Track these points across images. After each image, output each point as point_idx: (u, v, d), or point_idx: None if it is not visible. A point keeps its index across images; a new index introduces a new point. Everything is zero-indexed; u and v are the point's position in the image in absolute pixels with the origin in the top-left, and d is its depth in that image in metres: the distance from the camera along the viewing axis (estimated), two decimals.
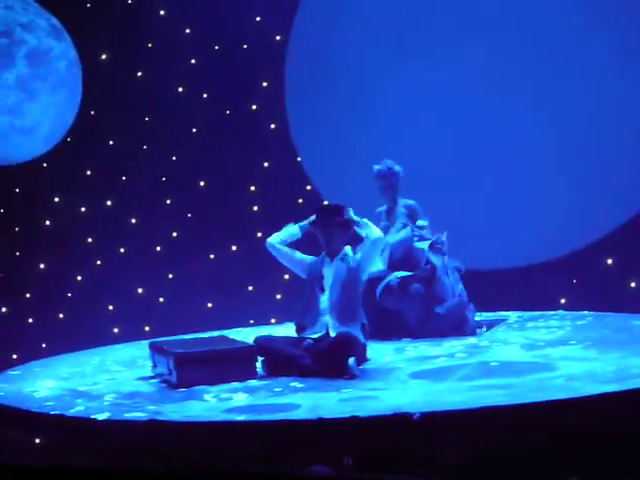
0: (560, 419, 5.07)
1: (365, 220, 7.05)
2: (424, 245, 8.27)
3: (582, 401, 5.14)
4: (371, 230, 6.97)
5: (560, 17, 9.68)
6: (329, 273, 6.94)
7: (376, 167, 8.61)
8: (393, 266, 8.21)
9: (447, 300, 8.13)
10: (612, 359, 6.33)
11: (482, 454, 4.89)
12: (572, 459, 4.91)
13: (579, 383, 5.59)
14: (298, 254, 7.17)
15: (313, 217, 7.11)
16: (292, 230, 7.16)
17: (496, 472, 4.88)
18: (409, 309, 8.08)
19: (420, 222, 8.54)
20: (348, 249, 7.05)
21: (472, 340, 7.73)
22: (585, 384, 5.53)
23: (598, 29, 9.55)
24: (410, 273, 8.12)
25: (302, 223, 7.16)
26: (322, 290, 6.91)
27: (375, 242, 6.93)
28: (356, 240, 7.16)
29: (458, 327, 8.05)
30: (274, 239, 7.16)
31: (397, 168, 8.61)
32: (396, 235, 8.38)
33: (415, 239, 8.34)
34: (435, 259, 8.22)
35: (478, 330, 8.14)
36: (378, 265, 8.00)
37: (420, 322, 8.06)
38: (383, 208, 8.74)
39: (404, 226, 8.45)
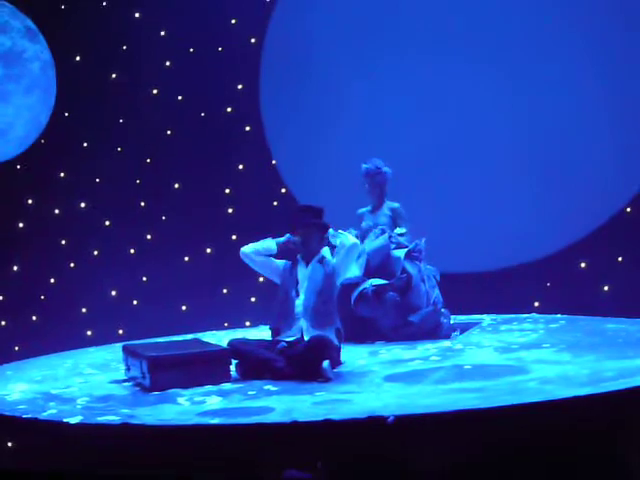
0: (533, 422, 5.08)
1: (339, 231, 7.04)
2: (400, 253, 8.28)
3: (555, 404, 5.16)
4: (345, 237, 6.96)
5: (535, 22, 9.73)
6: (304, 277, 6.93)
7: (364, 166, 8.63)
8: (369, 273, 8.23)
9: (422, 307, 8.15)
10: (585, 362, 6.36)
11: (456, 457, 4.90)
12: (546, 462, 4.92)
13: (552, 386, 5.61)
14: (272, 260, 7.15)
15: (289, 235, 7.09)
16: (268, 244, 7.12)
17: (470, 475, 4.89)
18: (383, 317, 8.09)
19: (398, 230, 8.55)
20: (326, 252, 7.04)
21: (446, 343, 7.75)
22: (558, 387, 5.55)
23: (572, 33, 9.62)
24: (385, 282, 8.13)
25: (279, 239, 7.12)
26: (297, 294, 6.90)
27: (350, 249, 6.92)
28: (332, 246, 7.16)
29: (432, 333, 8.08)
30: (248, 249, 7.14)
31: (385, 169, 8.66)
32: (373, 242, 8.38)
33: (392, 246, 8.35)
34: (411, 268, 8.23)
35: (452, 334, 8.16)
36: (354, 271, 8.00)
37: (394, 329, 8.09)
38: (366, 209, 8.74)
39: (383, 232, 8.45)
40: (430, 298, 8.26)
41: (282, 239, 7.10)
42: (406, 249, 8.31)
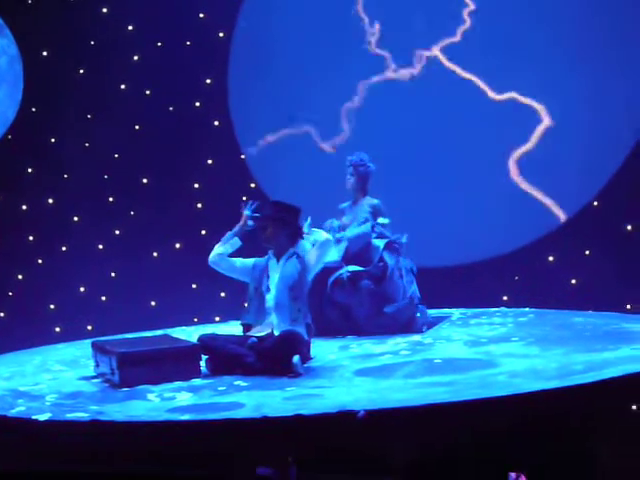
0: (502, 415, 5.11)
1: (313, 229, 7.03)
2: (380, 243, 8.29)
3: (524, 397, 5.19)
4: (319, 234, 6.95)
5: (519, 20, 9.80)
6: (275, 272, 6.92)
7: (349, 157, 8.68)
8: (347, 259, 8.23)
9: (397, 300, 8.17)
10: (554, 356, 6.41)
11: (426, 451, 4.92)
12: (514, 455, 4.95)
13: (521, 380, 5.65)
14: (239, 262, 7.11)
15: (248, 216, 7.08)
16: (231, 241, 7.09)
17: (439, 469, 4.91)
18: (358, 305, 8.10)
19: (382, 220, 8.55)
20: (303, 246, 7.01)
21: (416, 337, 7.78)
22: (527, 381, 5.59)
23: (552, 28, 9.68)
24: (362, 269, 8.14)
25: (235, 229, 7.09)
26: (268, 289, 6.89)
27: (323, 244, 6.90)
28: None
29: (406, 327, 8.10)
30: (214, 255, 7.09)
31: (370, 164, 8.69)
32: (355, 229, 8.38)
33: (374, 235, 8.35)
34: (389, 258, 8.25)
35: (423, 328, 8.19)
36: (333, 255, 8.01)
37: (368, 319, 8.09)
38: (347, 204, 8.75)
39: (366, 221, 8.46)
40: (407, 292, 8.26)
41: (236, 228, 7.07)
42: (386, 240, 8.31)
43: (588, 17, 9.48)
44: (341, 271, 8.16)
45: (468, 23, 9.86)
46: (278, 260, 6.97)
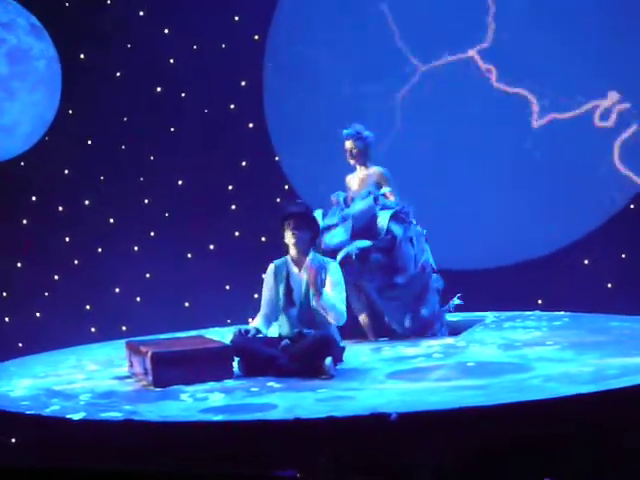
0: (537, 420, 5.08)
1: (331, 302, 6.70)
2: (386, 214, 8.13)
3: (558, 402, 5.16)
4: (334, 315, 6.72)
5: (537, 27, 9.76)
6: (298, 285, 6.83)
7: (345, 131, 8.52)
8: (355, 236, 8.05)
9: (409, 270, 8.07)
10: (588, 360, 6.36)
11: (458, 454, 4.90)
12: (549, 460, 4.92)
13: (555, 384, 5.60)
14: (266, 295, 6.99)
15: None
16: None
17: (473, 472, 4.89)
18: (369, 280, 7.98)
19: (383, 189, 8.42)
20: (318, 257, 6.90)
21: (449, 340, 7.75)
22: (561, 385, 5.55)
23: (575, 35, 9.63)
24: (370, 243, 8.03)
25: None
26: (292, 303, 6.84)
27: (336, 308, 6.70)
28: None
29: (420, 296, 8.02)
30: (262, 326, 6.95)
31: (366, 133, 8.52)
32: (359, 204, 8.23)
33: (378, 208, 8.21)
34: (396, 228, 8.09)
35: (451, 303, 8.13)
36: (341, 235, 7.95)
37: (380, 292, 7.97)
38: (353, 175, 8.64)
39: (369, 194, 8.34)
40: (418, 261, 8.17)
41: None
42: (391, 210, 8.18)
43: None
44: (348, 248, 7.95)
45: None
46: (299, 268, 6.85)
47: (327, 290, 6.68)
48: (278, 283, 6.89)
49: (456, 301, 8.27)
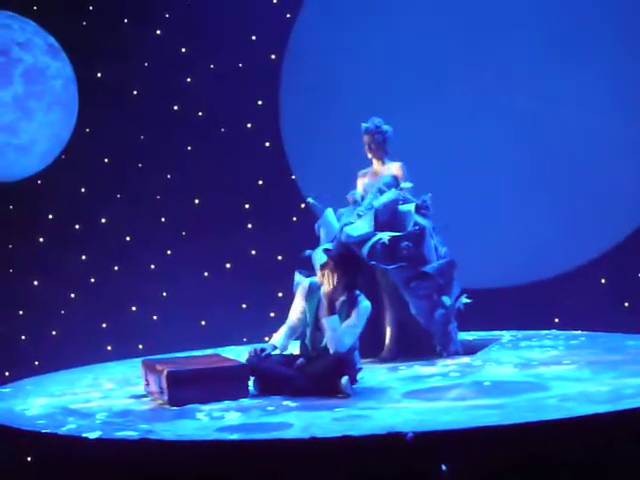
0: (553, 439, 5.06)
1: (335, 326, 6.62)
2: (410, 207, 8.08)
3: (575, 421, 5.13)
4: (333, 339, 6.59)
5: (559, 39, 9.79)
6: (325, 318, 6.68)
7: (364, 125, 8.46)
8: (379, 229, 7.94)
9: (432, 261, 8.02)
10: (605, 379, 6.33)
11: (475, 474, 4.88)
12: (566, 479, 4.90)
13: (573, 403, 5.58)
14: (295, 308, 6.93)
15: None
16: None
17: None
18: (397, 273, 7.88)
19: (404, 184, 8.34)
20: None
21: (465, 359, 7.72)
22: (579, 404, 5.52)
23: (593, 48, 9.65)
24: (399, 233, 7.91)
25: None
26: (318, 329, 6.74)
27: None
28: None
29: (444, 287, 7.98)
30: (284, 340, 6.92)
31: (385, 127, 8.46)
32: (381, 198, 8.13)
33: (399, 202, 8.14)
34: (423, 220, 8.07)
35: (463, 300, 8.10)
36: (365, 227, 7.88)
37: (407, 282, 7.90)
38: (367, 170, 8.58)
39: (389, 186, 8.24)
40: (440, 251, 8.14)
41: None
42: (414, 203, 8.12)
43: None
44: (380, 236, 7.82)
45: None
46: (329, 306, 6.69)
47: (345, 323, 6.60)
48: (308, 303, 6.83)
49: (464, 300, 8.21)
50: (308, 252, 8.00)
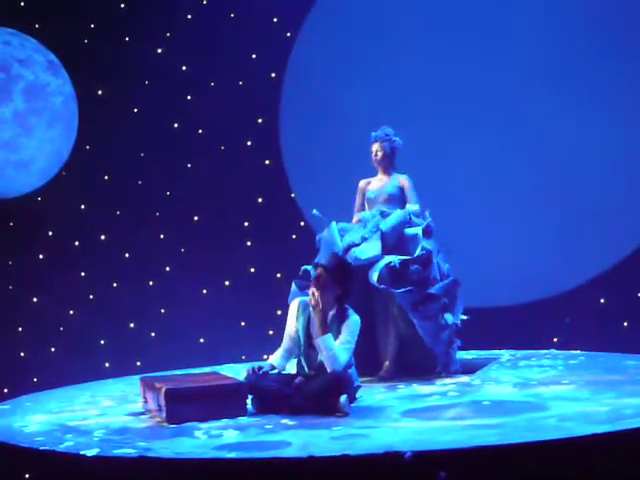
0: (552, 460, 5.05)
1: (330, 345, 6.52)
2: (417, 230, 8.04)
3: (574, 442, 5.12)
4: (329, 358, 6.51)
5: (560, 56, 9.84)
6: (317, 334, 6.62)
7: (374, 133, 8.44)
8: (387, 252, 7.88)
9: (437, 281, 7.99)
10: (605, 399, 6.32)
11: None
12: None
13: (571, 423, 5.57)
14: (288, 330, 6.89)
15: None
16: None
17: None
18: (404, 296, 7.78)
19: (410, 206, 8.27)
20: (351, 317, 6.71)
21: (464, 378, 7.72)
22: (578, 424, 5.51)
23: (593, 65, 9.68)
24: (407, 257, 7.86)
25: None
26: (312, 347, 6.69)
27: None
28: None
29: (446, 307, 7.97)
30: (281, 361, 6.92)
31: (395, 138, 8.44)
32: (388, 220, 8.06)
33: (406, 225, 8.09)
34: (428, 243, 8.04)
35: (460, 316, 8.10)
36: (373, 250, 7.81)
37: (414, 306, 7.89)
38: (370, 180, 8.52)
39: (390, 197, 8.25)
40: (443, 269, 8.12)
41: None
42: (420, 227, 8.07)
43: None
44: (389, 259, 7.76)
45: None
46: (321, 322, 6.56)
47: (338, 340, 6.57)
48: (299, 323, 6.82)
49: (461, 316, 8.20)
50: (306, 267, 7.98)
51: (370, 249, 7.85)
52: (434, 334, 7.91)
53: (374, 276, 7.72)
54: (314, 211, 8.35)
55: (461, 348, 8.26)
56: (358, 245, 7.99)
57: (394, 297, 7.87)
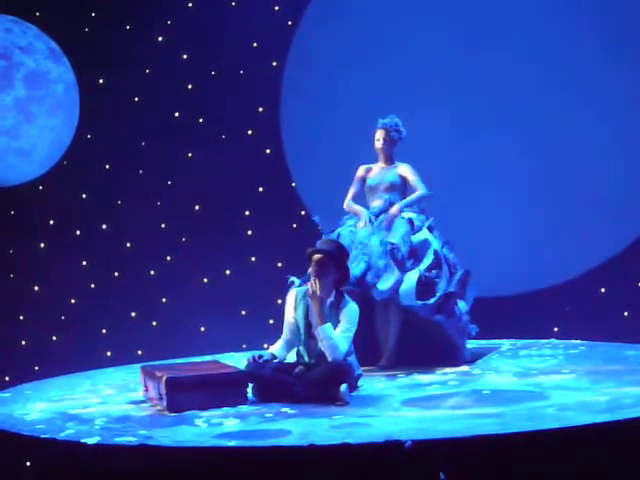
0: (552, 449, 5.06)
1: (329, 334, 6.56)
2: (424, 235, 8.03)
3: (574, 431, 5.13)
4: (329, 347, 6.54)
5: (558, 55, 9.83)
6: (316, 321, 6.65)
7: (382, 120, 8.37)
8: (400, 265, 7.81)
9: (448, 276, 8.03)
10: (604, 389, 6.33)
11: None
12: None
13: (571, 413, 5.58)
14: (287, 321, 6.91)
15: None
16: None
17: None
18: (424, 304, 7.79)
19: (419, 193, 8.24)
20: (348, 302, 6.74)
21: (464, 368, 7.72)
22: (577, 414, 5.53)
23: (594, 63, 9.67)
24: (425, 266, 7.85)
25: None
26: (311, 336, 6.71)
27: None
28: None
29: (461, 296, 8.04)
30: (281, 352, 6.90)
31: (402, 128, 8.39)
32: (394, 233, 7.96)
33: (411, 231, 8.03)
34: (435, 244, 8.05)
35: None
36: (391, 278, 7.69)
37: (437, 308, 7.80)
38: (371, 165, 8.47)
39: (390, 204, 8.19)
40: (450, 261, 8.12)
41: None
42: (426, 231, 8.09)
43: None
44: (411, 279, 7.72)
45: None
46: (319, 310, 6.59)
47: (338, 329, 6.59)
48: (297, 313, 6.83)
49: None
50: (293, 278, 7.87)
51: (388, 278, 7.75)
52: (461, 329, 7.98)
53: (404, 301, 7.72)
54: (315, 218, 8.34)
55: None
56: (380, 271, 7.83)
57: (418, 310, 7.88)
